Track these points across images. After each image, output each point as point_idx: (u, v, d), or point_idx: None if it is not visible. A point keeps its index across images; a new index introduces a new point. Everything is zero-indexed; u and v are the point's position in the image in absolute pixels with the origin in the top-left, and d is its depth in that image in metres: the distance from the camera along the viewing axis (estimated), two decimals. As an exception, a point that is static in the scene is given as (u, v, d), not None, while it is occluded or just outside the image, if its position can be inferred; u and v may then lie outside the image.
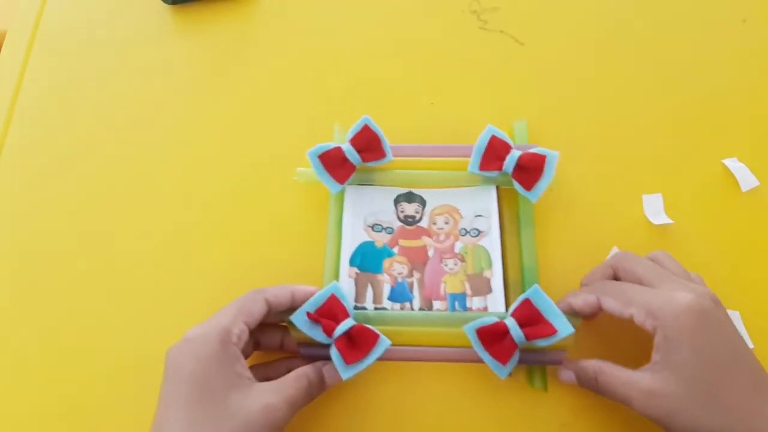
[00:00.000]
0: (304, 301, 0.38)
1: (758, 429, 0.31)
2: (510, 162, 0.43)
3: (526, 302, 0.38)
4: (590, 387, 0.37)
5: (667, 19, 0.53)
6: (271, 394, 0.34)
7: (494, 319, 0.38)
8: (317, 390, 0.37)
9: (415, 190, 0.45)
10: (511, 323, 0.38)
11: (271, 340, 0.40)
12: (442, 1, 0.55)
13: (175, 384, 0.33)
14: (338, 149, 0.44)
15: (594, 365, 0.36)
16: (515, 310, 0.38)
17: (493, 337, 0.38)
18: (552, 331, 0.37)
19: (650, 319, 0.34)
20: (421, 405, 0.40)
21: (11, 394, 0.41)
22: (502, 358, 0.38)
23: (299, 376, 0.36)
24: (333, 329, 0.37)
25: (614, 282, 0.39)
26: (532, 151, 0.43)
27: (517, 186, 0.43)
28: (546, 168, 0.42)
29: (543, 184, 0.42)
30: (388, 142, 0.44)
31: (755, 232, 0.45)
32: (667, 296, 0.34)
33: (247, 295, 0.37)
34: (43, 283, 0.45)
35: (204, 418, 0.32)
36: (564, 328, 0.37)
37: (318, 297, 0.38)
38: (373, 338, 0.38)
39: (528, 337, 0.37)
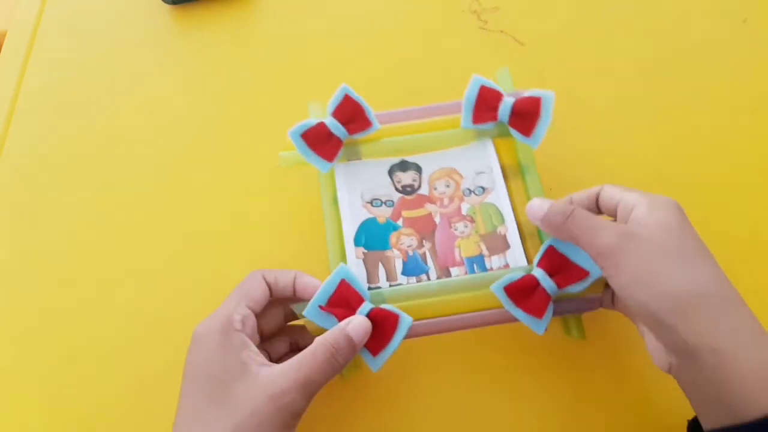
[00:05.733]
0: (307, 293, 0.35)
1: (726, 296, 0.30)
2: (504, 109, 0.40)
3: (550, 250, 0.36)
4: (557, 217, 0.34)
5: (667, 19, 0.53)
6: (280, 381, 0.30)
7: (521, 274, 0.36)
8: (346, 356, 0.32)
9: (408, 158, 0.42)
10: (540, 274, 0.35)
11: (279, 348, 0.37)
12: (442, 1, 0.55)
13: (185, 384, 0.32)
14: (321, 125, 0.41)
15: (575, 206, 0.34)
16: (541, 260, 0.36)
17: (523, 292, 0.35)
18: (584, 274, 0.35)
19: (636, 195, 0.33)
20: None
21: (19, 397, 0.40)
22: (536, 312, 0.35)
23: (317, 350, 0.31)
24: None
25: None
26: (525, 94, 0.40)
27: (515, 134, 0.40)
28: (542, 111, 0.40)
29: (542, 127, 0.40)
30: (372, 110, 0.41)
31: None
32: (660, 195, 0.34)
33: (246, 279, 0.35)
34: (43, 284, 0.44)
35: (213, 418, 0.30)
36: (595, 268, 0.35)
37: (327, 285, 0.35)
38: (393, 319, 0.35)
39: (560, 285, 0.35)
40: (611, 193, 0.35)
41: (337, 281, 0.36)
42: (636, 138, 0.47)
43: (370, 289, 0.38)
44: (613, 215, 0.34)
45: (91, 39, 0.55)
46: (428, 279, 0.38)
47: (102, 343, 0.41)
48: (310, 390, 0.31)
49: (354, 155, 0.42)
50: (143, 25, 0.56)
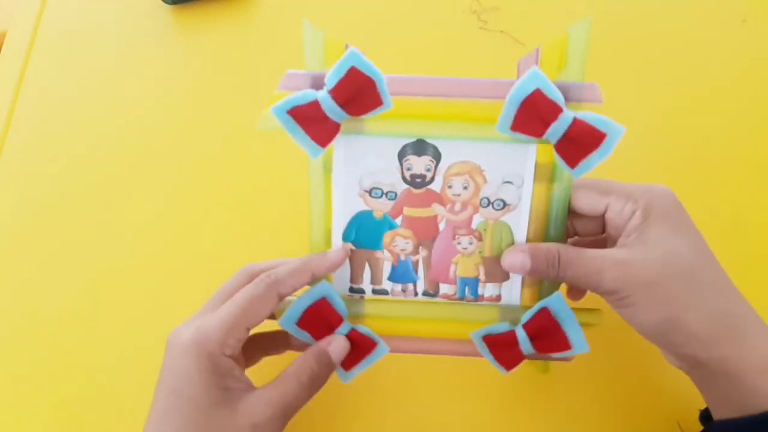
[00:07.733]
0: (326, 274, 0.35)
1: (730, 310, 0.30)
2: (557, 130, 0.31)
3: (543, 312, 0.33)
4: (549, 269, 0.32)
5: (667, 19, 0.53)
6: (263, 409, 0.31)
7: (504, 328, 0.34)
8: (326, 379, 0.34)
9: (429, 138, 0.34)
10: (521, 336, 0.34)
11: (276, 347, 0.38)
12: (442, 1, 0.55)
13: (162, 398, 0.31)
14: (315, 104, 0.32)
15: (555, 244, 0.33)
16: (529, 320, 0.34)
17: (500, 345, 0.35)
18: (567, 347, 0.34)
19: (630, 203, 0.31)
20: (418, 396, 0.40)
21: (11, 393, 0.42)
22: (507, 364, 0.35)
23: (301, 375, 0.32)
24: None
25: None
26: (587, 119, 0.30)
27: (558, 158, 0.32)
28: (603, 146, 0.31)
29: (593, 161, 0.32)
30: (384, 81, 0.32)
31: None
32: (648, 185, 0.33)
33: (255, 290, 0.32)
34: (43, 284, 0.45)
35: None
36: (579, 344, 0.33)
37: (305, 299, 0.34)
38: (370, 345, 0.35)
39: (538, 351, 0.34)
40: (589, 199, 0.33)
41: (317, 298, 0.34)
42: (633, 137, 0.43)
43: (351, 290, 0.37)
44: (599, 216, 0.33)
45: (91, 39, 0.55)
46: (414, 289, 0.36)
47: (99, 342, 0.42)
48: (291, 414, 0.32)
49: (355, 130, 0.34)
50: (143, 25, 0.55)
